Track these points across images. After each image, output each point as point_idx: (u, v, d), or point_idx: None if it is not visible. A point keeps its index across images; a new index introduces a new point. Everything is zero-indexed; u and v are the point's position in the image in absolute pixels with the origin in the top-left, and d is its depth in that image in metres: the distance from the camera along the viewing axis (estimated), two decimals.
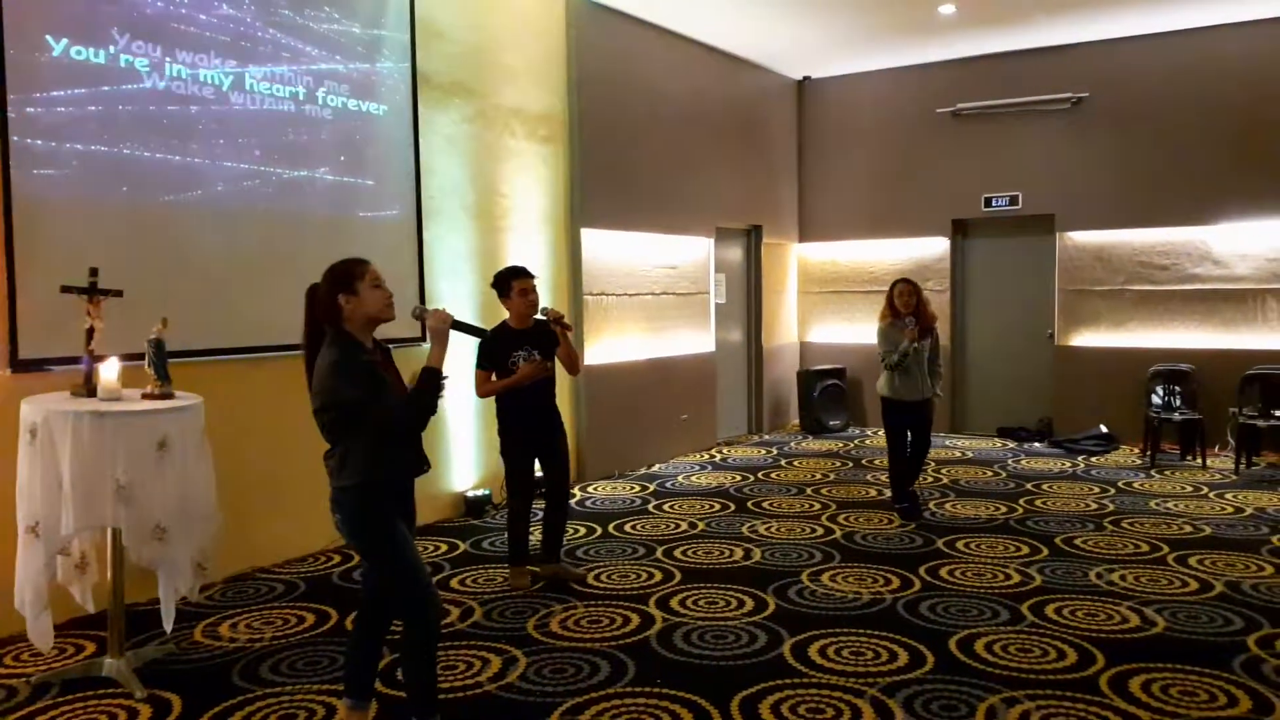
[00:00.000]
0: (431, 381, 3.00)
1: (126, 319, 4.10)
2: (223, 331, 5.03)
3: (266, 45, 5.25)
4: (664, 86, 8.40)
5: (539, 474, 5.06)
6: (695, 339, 8.94)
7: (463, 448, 6.62)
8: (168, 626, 3.79)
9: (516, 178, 7.04)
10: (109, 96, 4.58)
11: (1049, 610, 4.50)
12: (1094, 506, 6.62)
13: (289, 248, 5.37)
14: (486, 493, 6.63)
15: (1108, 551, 5.49)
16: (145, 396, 3.78)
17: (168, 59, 4.80)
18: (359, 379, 2.91)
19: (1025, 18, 8.30)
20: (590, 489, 7.32)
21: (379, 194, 5.88)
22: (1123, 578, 4.98)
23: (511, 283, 4.89)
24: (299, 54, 5.41)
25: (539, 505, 5.14)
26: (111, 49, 4.58)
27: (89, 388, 3.78)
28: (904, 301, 6.27)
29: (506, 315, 4.95)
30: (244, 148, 5.16)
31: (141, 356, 3.88)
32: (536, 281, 4.99)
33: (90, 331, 3.84)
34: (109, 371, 3.71)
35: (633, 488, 7.41)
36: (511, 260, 6.94)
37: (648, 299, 8.28)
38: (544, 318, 4.90)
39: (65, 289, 3.84)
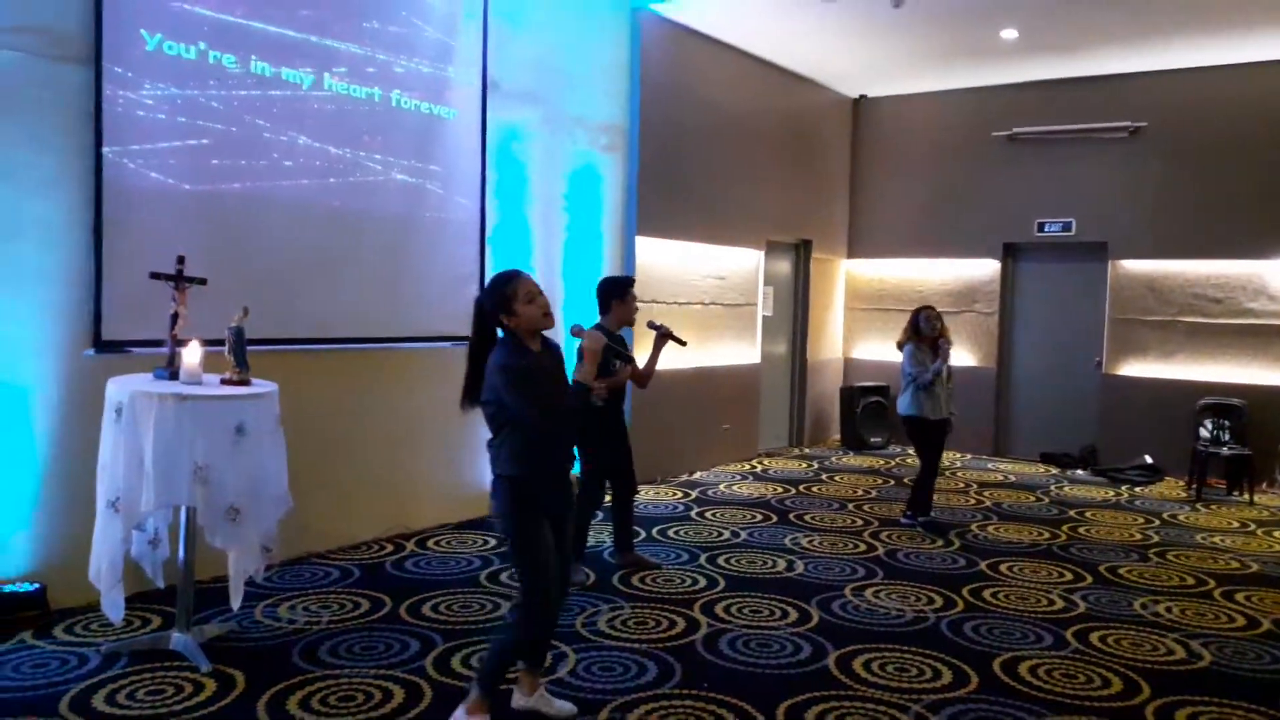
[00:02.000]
0: (579, 397, 3.27)
1: (204, 306, 4.25)
2: (290, 322, 5.17)
3: (345, 47, 5.41)
4: (722, 100, 8.48)
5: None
6: (741, 350, 9.01)
7: None
8: (235, 604, 3.92)
9: (577, 184, 7.16)
10: (197, 91, 4.75)
11: (1093, 638, 4.52)
12: (1138, 537, 6.59)
13: (358, 244, 5.53)
14: None
15: (1152, 582, 5.48)
16: (224, 382, 3.92)
17: (252, 56, 4.97)
18: (515, 383, 3.17)
19: (1086, 45, 8.29)
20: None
21: (446, 195, 6.03)
22: (1168, 609, 4.97)
23: (629, 289, 5.23)
24: (375, 57, 5.56)
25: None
26: (201, 44, 4.76)
27: (172, 371, 3.93)
28: (931, 327, 6.56)
29: (600, 319, 5.18)
30: (320, 145, 5.31)
31: (218, 343, 4.04)
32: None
33: (175, 317, 3.99)
34: (191, 356, 3.85)
35: (675, 494, 7.48)
36: (570, 265, 7.09)
37: (696, 308, 8.36)
38: (656, 328, 5.20)
39: (154, 275, 4.00)
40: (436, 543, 5.80)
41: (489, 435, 3.33)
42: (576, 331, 3.54)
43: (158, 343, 4.23)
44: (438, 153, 5.96)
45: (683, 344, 5.30)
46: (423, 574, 5.18)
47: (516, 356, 3.23)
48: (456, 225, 6.09)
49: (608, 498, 5.49)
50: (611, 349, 3.56)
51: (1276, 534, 6.80)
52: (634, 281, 5.37)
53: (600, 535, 5.94)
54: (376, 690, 3.66)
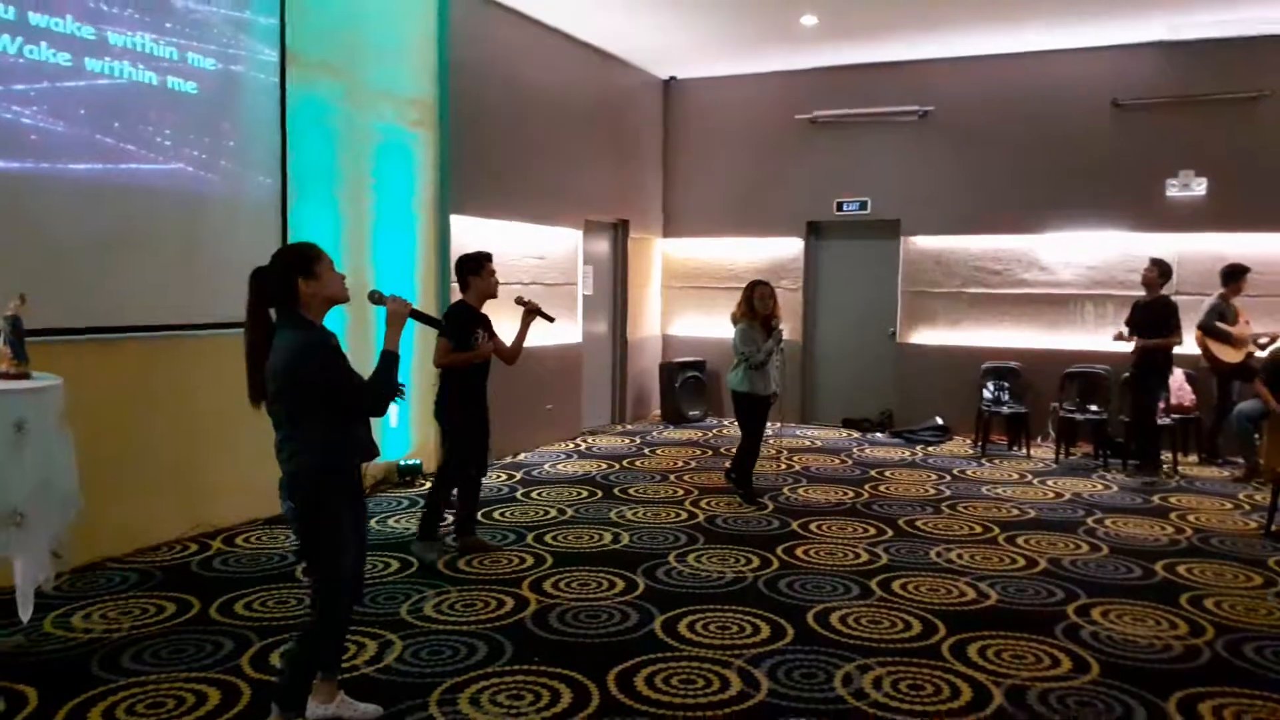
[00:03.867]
0: (390, 365, 3.06)
1: None
2: (73, 311, 4.77)
3: (127, 18, 5.02)
4: (536, 78, 8.44)
5: None
6: (562, 329, 9.02)
7: (397, 418, 7.05)
8: (25, 616, 3.62)
9: (386, 161, 6.95)
10: None
11: (895, 586, 4.86)
12: (932, 492, 7.12)
13: (147, 227, 5.17)
14: (418, 462, 7.09)
15: (945, 533, 5.94)
16: (0, 376, 3.59)
17: (21, 15, 4.53)
18: (327, 361, 2.94)
19: (880, 32, 8.80)
20: None
21: (242, 173, 5.71)
22: (959, 556, 5.41)
23: (485, 264, 5.16)
24: (161, 26, 5.19)
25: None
26: None
27: None
28: (763, 304, 6.58)
29: (462, 296, 5.21)
30: (101, 121, 4.92)
31: None
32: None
33: None
34: None
35: (500, 475, 7.45)
36: (380, 244, 6.88)
37: (516, 288, 8.30)
38: (523, 303, 5.22)
39: None
40: (245, 539, 5.53)
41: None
42: (376, 298, 3.24)
43: None
44: (232, 128, 5.63)
45: (550, 319, 5.34)
46: (232, 572, 4.94)
47: (316, 333, 2.98)
48: (255, 205, 5.78)
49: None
50: (423, 315, 3.37)
51: (1050, 483, 7.51)
52: (490, 256, 5.26)
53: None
54: (189, 694, 3.48)
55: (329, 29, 6.36)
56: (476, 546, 5.38)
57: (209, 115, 5.50)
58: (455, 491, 5.37)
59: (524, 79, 8.30)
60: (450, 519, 5.49)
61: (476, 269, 5.19)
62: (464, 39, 7.52)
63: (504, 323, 5.47)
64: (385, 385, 3.07)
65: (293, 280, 2.99)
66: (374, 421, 3.31)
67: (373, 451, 3.22)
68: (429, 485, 5.35)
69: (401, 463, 7.05)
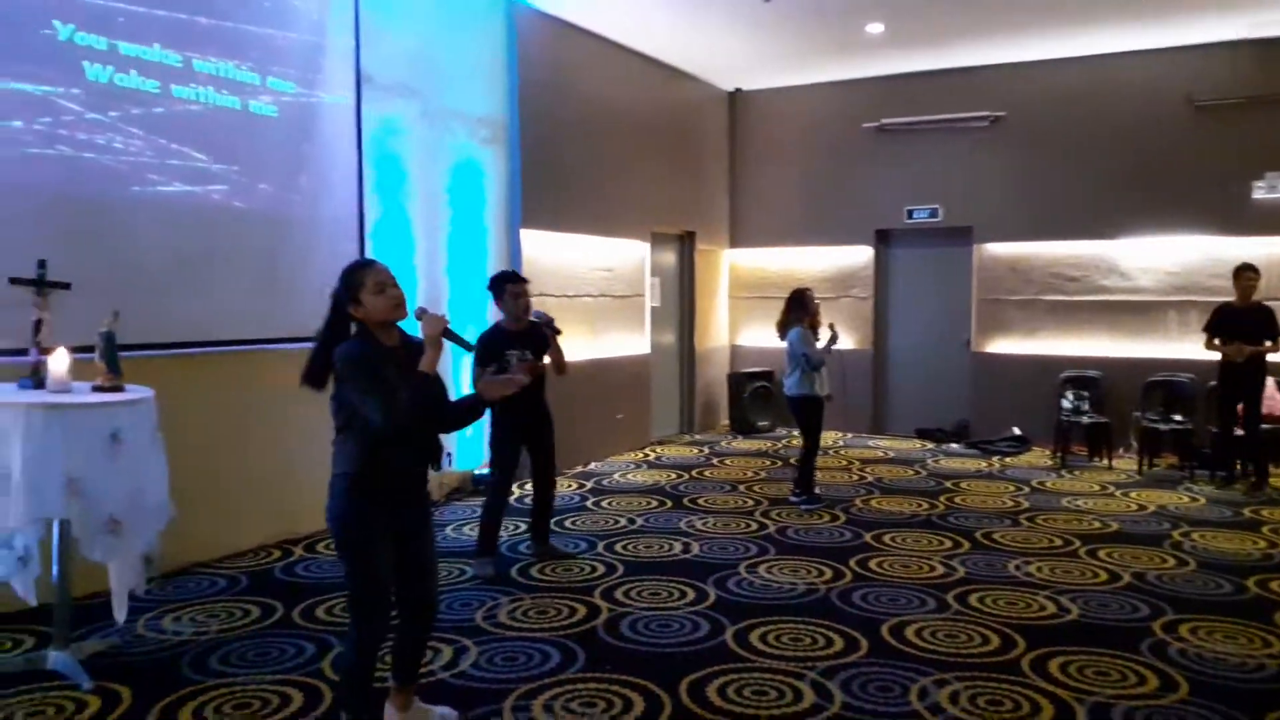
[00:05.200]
0: (419, 386, 3.01)
1: (68, 312, 4.04)
2: (163, 326, 4.97)
3: (212, 45, 5.22)
4: (603, 94, 8.54)
5: None
6: (631, 341, 9.10)
7: (472, 429, 7.02)
8: (120, 618, 3.76)
9: (459, 178, 7.09)
10: (54, 89, 4.51)
11: (972, 599, 4.77)
12: (1010, 504, 6.97)
13: (233, 244, 5.36)
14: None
15: (1024, 545, 5.81)
16: (96, 389, 3.75)
17: (115, 46, 4.75)
18: (357, 376, 2.95)
19: (948, 39, 8.69)
20: (529, 485, 7.39)
21: (321, 192, 5.88)
22: (1039, 569, 5.29)
23: (505, 286, 5.21)
24: (243, 52, 5.39)
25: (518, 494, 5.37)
26: (60, 34, 4.52)
27: (37, 379, 3.74)
28: (816, 306, 6.85)
29: (502, 317, 5.28)
30: (188, 145, 5.12)
31: (84, 349, 3.86)
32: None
33: (38, 323, 3.80)
34: (58, 364, 3.68)
35: (572, 484, 7.51)
36: (453, 260, 7.02)
37: (586, 300, 8.40)
38: (538, 320, 5.24)
39: (14, 280, 3.79)
40: (325, 546, 5.67)
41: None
42: (419, 315, 3.16)
43: (18, 351, 4.00)
44: (311, 149, 5.81)
45: (558, 333, 5.36)
46: (314, 578, 5.07)
47: (362, 348, 3.00)
48: (334, 222, 5.95)
49: (516, 489, 5.50)
50: (455, 337, 3.30)
51: (1133, 495, 7.29)
52: (514, 276, 5.30)
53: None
54: (274, 695, 3.58)
55: (403, 52, 6.52)
56: (551, 554, 5.44)
57: (289, 138, 5.69)
58: (531, 503, 5.44)
59: (591, 94, 8.40)
60: (524, 528, 5.56)
61: (499, 293, 5.24)
62: (532, 57, 7.65)
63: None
64: (411, 405, 2.96)
65: (343, 302, 3.06)
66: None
67: (429, 462, 3.18)
68: (483, 504, 5.42)
69: (476, 472, 7.16)
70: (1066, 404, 8.72)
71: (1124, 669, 3.89)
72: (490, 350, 5.07)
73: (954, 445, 9.50)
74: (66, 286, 3.92)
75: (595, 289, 8.54)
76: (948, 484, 7.68)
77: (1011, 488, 7.55)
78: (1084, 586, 4.99)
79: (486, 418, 5.23)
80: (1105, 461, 8.49)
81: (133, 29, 4.85)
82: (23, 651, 3.98)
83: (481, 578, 5.07)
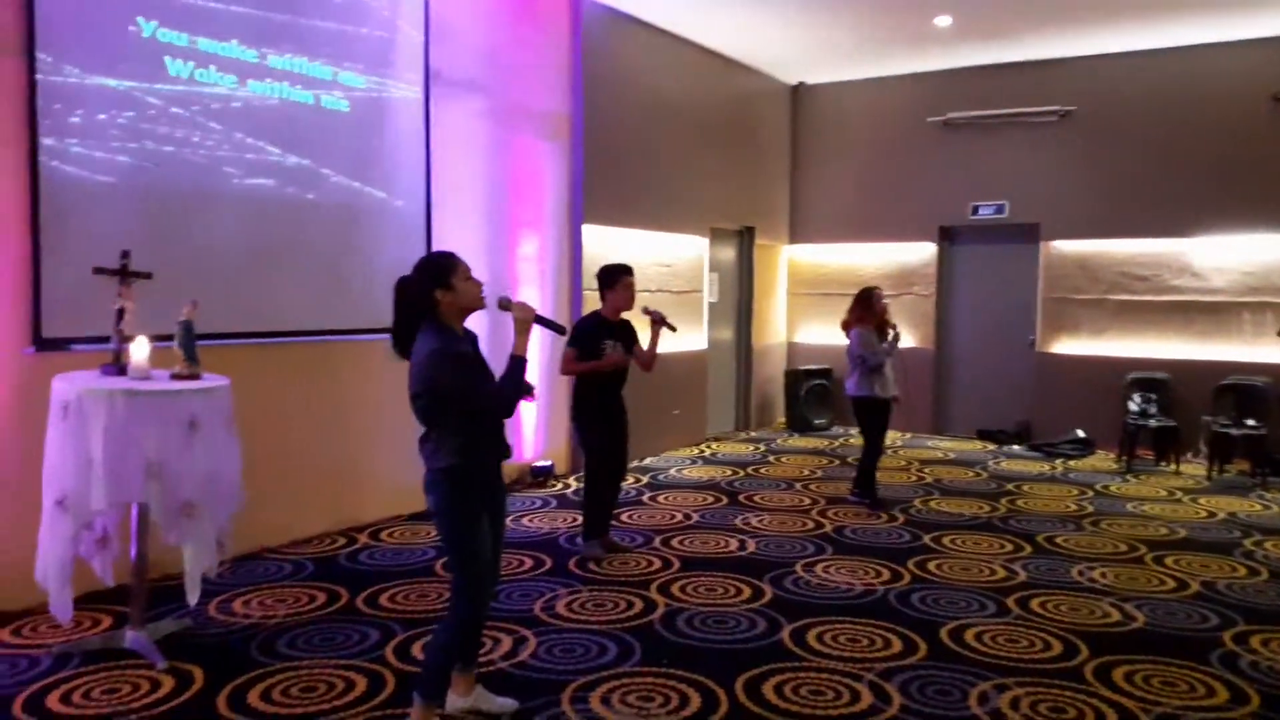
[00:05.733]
0: (518, 369, 3.17)
1: (147, 301, 4.16)
2: (236, 317, 5.11)
3: (286, 40, 5.34)
4: (664, 88, 8.54)
5: None
6: (688, 336, 9.08)
7: (530, 422, 7.31)
8: (193, 601, 3.87)
9: (522, 174, 7.16)
10: (135, 84, 4.66)
11: (1034, 604, 4.70)
12: (1073, 508, 6.84)
13: (303, 237, 5.48)
14: (549, 464, 7.34)
15: (1088, 550, 5.70)
16: (174, 377, 3.87)
17: (192, 51, 4.89)
18: (457, 368, 3.08)
19: (1018, 32, 8.52)
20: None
21: (391, 187, 5.99)
22: (1103, 575, 5.19)
23: (622, 277, 5.30)
24: (316, 47, 5.50)
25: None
26: (140, 34, 4.66)
27: (119, 367, 3.87)
28: (881, 306, 6.71)
29: (599, 307, 5.36)
30: (263, 139, 5.25)
31: (163, 338, 3.98)
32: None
33: (120, 312, 3.93)
34: (139, 352, 3.80)
35: (628, 479, 7.53)
36: (516, 254, 7.09)
37: (644, 295, 8.39)
38: (650, 314, 5.34)
39: (98, 270, 3.92)
40: (389, 534, 5.79)
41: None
42: (504, 303, 3.31)
43: (100, 339, 4.15)
44: (381, 144, 5.92)
45: (672, 329, 5.45)
46: (377, 565, 5.18)
47: (450, 341, 3.11)
48: (401, 216, 6.06)
49: (574, 483, 5.55)
50: (546, 321, 3.42)
51: (1202, 501, 7.11)
52: (629, 269, 5.39)
53: (554, 520, 5.99)
54: (339, 680, 3.67)
55: (470, 47, 6.60)
56: (609, 547, 5.49)
57: (359, 132, 5.80)
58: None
59: (653, 89, 8.41)
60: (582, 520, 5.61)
61: (612, 282, 5.30)
62: (596, 52, 7.68)
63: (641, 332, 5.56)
64: (512, 388, 3.18)
65: (430, 290, 3.14)
66: (507, 424, 3.42)
67: (506, 452, 3.35)
68: (583, 489, 5.50)
69: (535, 464, 7.24)
70: (1133, 406, 8.52)
71: (1192, 680, 3.80)
72: (590, 338, 5.19)
73: (1015, 447, 9.34)
74: (148, 276, 4.05)
75: (653, 284, 8.55)
76: (1009, 486, 7.56)
77: (1075, 491, 7.41)
78: (1150, 594, 4.88)
79: (561, 403, 5.30)
80: (1173, 466, 8.28)
81: (212, 26, 4.98)
82: (101, 630, 4.13)
83: (592, 559, 5.24)
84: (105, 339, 4.01)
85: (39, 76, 4.28)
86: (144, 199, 4.72)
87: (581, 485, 5.60)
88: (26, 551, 3.78)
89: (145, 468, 3.60)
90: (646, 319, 5.37)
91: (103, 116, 4.55)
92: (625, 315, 5.38)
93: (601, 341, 5.22)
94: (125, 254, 3.96)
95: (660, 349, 5.52)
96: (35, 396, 3.96)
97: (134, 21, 4.66)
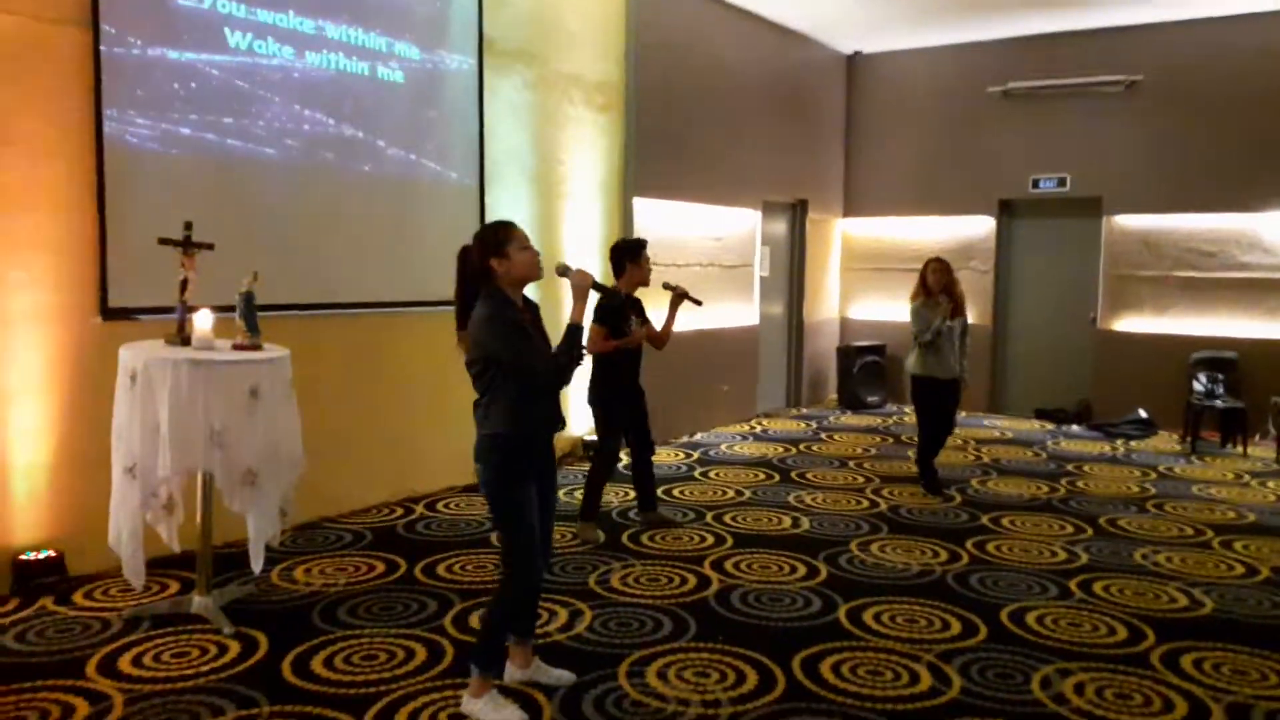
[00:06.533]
0: (575, 336, 3.18)
1: (209, 271, 4.21)
2: (296, 287, 5.15)
3: (343, 11, 5.34)
4: (717, 57, 8.42)
5: None
6: (739, 311, 9.03)
7: (578, 396, 7.03)
8: (256, 568, 3.95)
9: (574, 145, 7.12)
10: (196, 55, 4.69)
11: (1097, 587, 4.60)
12: (1135, 490, 6.68)
13: (359, 208, 5.51)
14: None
15: (1151, 533, 5.57)
16: (236, 347, 3.92)
17: (251, 22, 4.91)
18: (508, 334, 3.09)
19: None
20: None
21: (444, 158, 5.99)
22: (1168, 559, 5.07)
23: (641, 252, 5.20)
24: (371, 18, 5.50)
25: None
26: (200, 6, 4.69)
27: (182, 337, 3.92)
28: (936, 279, 6.28)
29: (615, 282, 5.22)
30: (321, 110, 5.27)
31: (225, 308, 4.03)
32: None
33: (184, 283, 3.97)
34: (203, 322, 3.85)
35: (678, 455, 7.54)
36: (568, 226, 7.08)
37: (695, 269, 8.36)
38: (672, 288, 5.24)
39: (163, 241, 3.97)
40: (445, 505, 5.84)
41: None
42: (562, 270, 3.34)
43: (165, 309, 4.21)
44: (434, 115, 5.92)
45: (698, 303, 5.35)
46: (434, 536, 5.23)
47: (505, 308, 3.14)
48: (456, 188, 6.06)
49: (625, 458, 5.53)
50: (601, 286, 3.43)
51: (1271, 485, 6.90)
52: (646, 244, 5.32)
53: (606, 494, 5.99)
54: (399, 649, 3.71)
55: (523, 17, 6.56)
56: (659, 521, 5.49)
57: (415, 103, 5.79)
58: (631, 472, 5.49)
59: (706, 59, 8.29)
60: (633, 495, 5.60)
61: (635, 256, 5.18)
62: (649, 21, 7.59)
63: (653, 309, 5.48)
64: (566, 356, 3.18)
65: (487, 258, 3.16)
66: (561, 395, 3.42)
67: (560, 422, 3.34)
68: (591, 468, 5.44)
69: (586, 437, 7.24)
70: (1199, 386, 8.30)
71: (1264, 668, 3.70)
72: (616, 314, 5.12)
73: (1075, 427, 9.15)
74: (210, 247, 4.09)
75: (704, 258, 8.49)
76: (1069, 467, 7.41)
77: (1137, 473, 7.24)
78: (1218, 579, 4.76)
79: (583, 386, 5.27)
80: (1240, 449, 8.05)
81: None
82: (169, 595, 4.23)
83: (590, 541, 5.14)
84: (170, 309, 4.07)
85: (102, 48, 4.32)
86: (205, 170, 4.77)
87: (627, 461, 5.56)
88: (99, 517, 3.86)
89: (209, 436, 3.66)
90: (666, 294, 5.27)
91: (164, 88, 4.59)
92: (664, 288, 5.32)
93: (628, 318, 5.14)
94: (188, 225, 4.00)
95: (710, 324, 5.46)
96: (104, 365, 4.03)
97: None
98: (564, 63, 6.95)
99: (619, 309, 5.09)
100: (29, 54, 4.14)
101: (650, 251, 5.33)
